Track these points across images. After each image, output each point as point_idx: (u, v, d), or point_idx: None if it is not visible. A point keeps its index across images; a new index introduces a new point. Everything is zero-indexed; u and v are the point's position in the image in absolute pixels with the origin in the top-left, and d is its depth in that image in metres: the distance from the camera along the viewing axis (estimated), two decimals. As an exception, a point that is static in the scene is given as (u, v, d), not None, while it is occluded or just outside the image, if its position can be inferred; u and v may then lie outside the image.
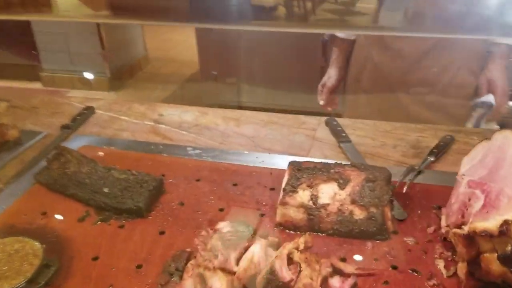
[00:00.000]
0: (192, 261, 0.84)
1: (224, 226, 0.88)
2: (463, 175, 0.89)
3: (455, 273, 0.84)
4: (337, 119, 1.39)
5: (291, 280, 0.72)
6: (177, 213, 1.02)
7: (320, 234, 0.94)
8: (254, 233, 0.87)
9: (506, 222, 0.71)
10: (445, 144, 1.23)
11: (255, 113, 1.48)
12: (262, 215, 1.01)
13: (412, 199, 1.03)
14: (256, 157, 1.22)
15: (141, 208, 1.00)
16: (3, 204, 1.06)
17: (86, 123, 1.46)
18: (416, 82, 1.57)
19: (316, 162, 1.01)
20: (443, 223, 0.91)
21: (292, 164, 1.01)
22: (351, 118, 1.43)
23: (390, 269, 0.86)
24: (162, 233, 0.97)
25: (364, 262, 0.88)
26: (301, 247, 0.81)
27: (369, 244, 0.92)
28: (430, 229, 0.94)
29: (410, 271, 0.85)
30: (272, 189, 1.09)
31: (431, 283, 0.82)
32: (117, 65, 4.60)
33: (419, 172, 1.09)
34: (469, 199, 0.82)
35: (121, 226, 0.99)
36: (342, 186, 0.94)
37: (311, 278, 0.78)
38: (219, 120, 1.45)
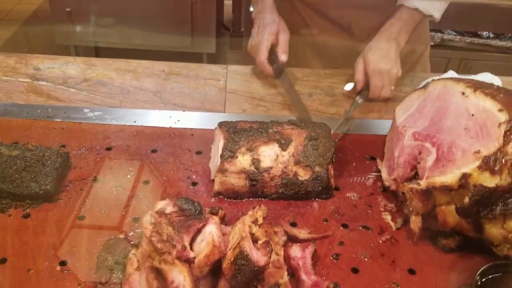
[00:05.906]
0: (133, 251, 0.71)
1: (165, 205, 0.76)
2: (404, 126, 0.88)
3: (402, 225, 0.84)
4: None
5: (267, 263, 0.65)
6: (94, 192, 0.86)
7: (263, 199, 0.88)
8: (201, 210, 0.77)
9: (464, 176, 0.72)
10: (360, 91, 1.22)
11: (153, 62, 1.31)
12: (194, 184, 0.90)
13: (345, 151, 1.01)
14: (170, 116, 1.08)
15: (50, 192, 0.82)
16: None
17: None
18: None
19: (251, 122, 0.92)
20: (385, 175, 0.91)
21: (224, 125, 0.91)
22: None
23: (342, 228, 0.84)
24: (81, 218, 0.81)
25: (315, 225, 0.84)
26: (260, 220, 0.74)
27: (315, 204, 0.88)
28: (369, 182, 0.94)
29: (361, 228, 0.84)
30: (199, 152, 0.98)
31: (383, 238, 0.82)
32: None
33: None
34: (419, 153, 0.81)
35: (26, 216, 0.80)
36: (284, 147, 0.87)
37: (277, 253, 0.72)
38: (112, 73, 1.25)
